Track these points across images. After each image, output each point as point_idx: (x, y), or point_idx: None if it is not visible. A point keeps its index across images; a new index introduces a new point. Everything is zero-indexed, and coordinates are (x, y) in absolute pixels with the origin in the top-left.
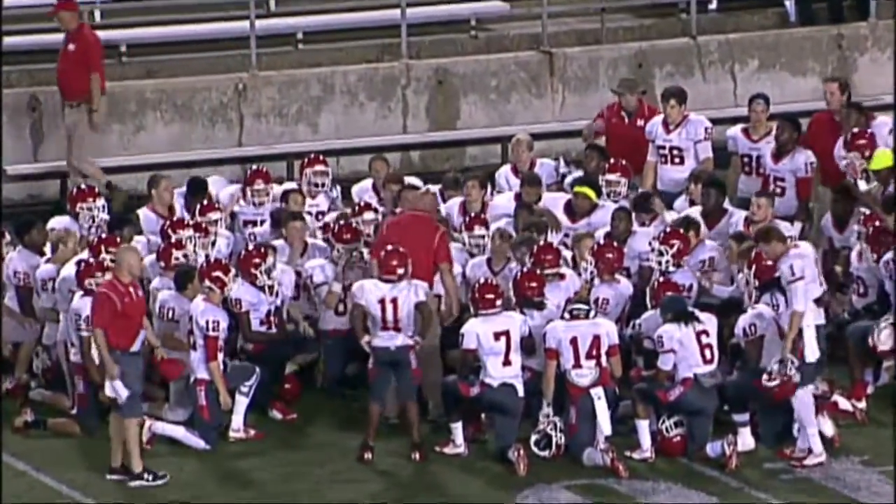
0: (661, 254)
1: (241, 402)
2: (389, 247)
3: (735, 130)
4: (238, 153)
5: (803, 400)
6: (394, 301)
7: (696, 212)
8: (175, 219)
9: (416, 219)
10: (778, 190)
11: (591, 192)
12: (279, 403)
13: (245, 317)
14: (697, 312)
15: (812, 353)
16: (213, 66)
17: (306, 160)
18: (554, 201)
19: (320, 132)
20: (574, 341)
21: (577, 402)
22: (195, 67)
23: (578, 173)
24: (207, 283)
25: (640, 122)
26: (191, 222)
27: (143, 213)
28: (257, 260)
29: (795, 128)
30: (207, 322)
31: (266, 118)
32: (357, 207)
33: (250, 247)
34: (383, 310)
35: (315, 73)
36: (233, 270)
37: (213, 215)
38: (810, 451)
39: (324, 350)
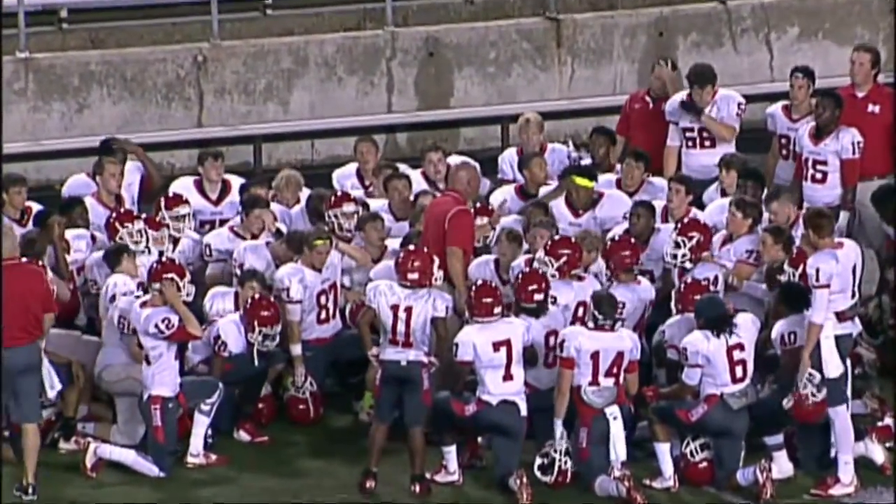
0: (677, 245)
1: (202, 423)
2: (411, 246)
3: (776, 108)
4: (197, 135)
5: (841, 421)
6: (408, 310)
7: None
8: (123, 210)
9: (443, 201)
10: (818, 175)
11: (588, 183)
12: (247, 424)
13: (221, 361)
14: (737, 319)
15: (834, 368)
16: (168, 34)
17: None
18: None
19: (292, 111)
20: (595, 356)
21: (588, 424)
22: (147, 36)
23: (589, 159)
24: (157, 285)
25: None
26: (142, 215)
27: (89, 202)
28: (266, 314)
29: (838, 104)
30: (157, 325)
31: (229, 95)
32: (334, 198)
33: (257, 295)
34: (395, 318)
35: (286, 43)
36: (188, 275)
37: (182, 209)
38: (839, 479)
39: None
